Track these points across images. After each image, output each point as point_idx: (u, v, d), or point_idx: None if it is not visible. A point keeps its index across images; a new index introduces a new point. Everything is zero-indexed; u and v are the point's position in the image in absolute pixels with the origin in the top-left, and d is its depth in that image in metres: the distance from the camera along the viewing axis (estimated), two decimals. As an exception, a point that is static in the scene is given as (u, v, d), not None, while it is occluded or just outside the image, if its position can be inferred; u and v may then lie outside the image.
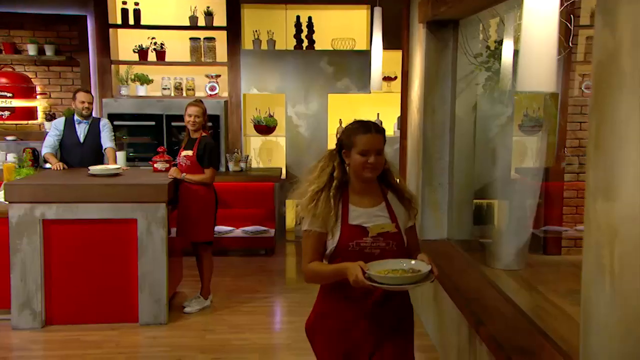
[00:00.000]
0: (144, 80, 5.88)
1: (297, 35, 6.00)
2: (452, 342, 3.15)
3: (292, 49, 6.03)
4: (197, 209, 3.94)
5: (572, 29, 4.32)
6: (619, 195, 1.10)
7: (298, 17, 6.00)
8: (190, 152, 3.95)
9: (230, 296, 4.35)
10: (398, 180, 2.08)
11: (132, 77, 5.88)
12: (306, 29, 6.00)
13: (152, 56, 5.90)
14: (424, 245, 2.49)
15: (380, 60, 4.08)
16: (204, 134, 3.99)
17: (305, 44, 6.01)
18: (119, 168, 4.11)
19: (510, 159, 4.09)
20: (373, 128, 1.95)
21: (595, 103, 1.19)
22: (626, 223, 1.08)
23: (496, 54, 4.23)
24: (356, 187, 1.97)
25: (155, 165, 4.20)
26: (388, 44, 4.60)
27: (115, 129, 4.89)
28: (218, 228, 5.67)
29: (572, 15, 4.29)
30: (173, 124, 5.64)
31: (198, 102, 3.99)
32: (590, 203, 1.20)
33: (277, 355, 3.43)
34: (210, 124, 5.11)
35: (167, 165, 4.18)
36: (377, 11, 4.10)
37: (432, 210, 4.00)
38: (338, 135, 2.07)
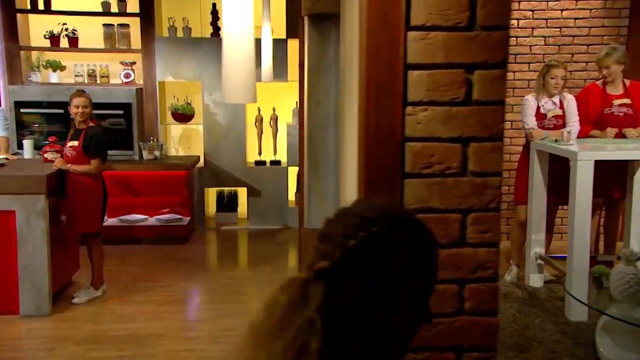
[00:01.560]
0: (55, 66, 5.78)
1: (214, 23, 5.97)
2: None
3: (209, 36, 6.00)
4: (84, 200, 3.95)
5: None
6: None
7: (214, 5, 5.96)
8: (76, 143, 3.93)
9: (128, 286, 4.39)
10: None
11: (44, 63, 5.78)
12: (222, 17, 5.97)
13: (64, 42, 5.80)
14: (310, 235, 2.55)
15: (270, 51, 4.10)
16: (91, 124, 3.97)
17: (222, 31, 5.98)
18: (3, 159, 4.06)
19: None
20: None
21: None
22: None
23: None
24: None
25: (45, 156, 4.18)
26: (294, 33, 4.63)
27: (23, 116, 4.81)
28: (130, 217, 5.69)
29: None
30: (83, 112, 5.56)
31: (82, 92, 3.97)
32: None
33: (151, 344, 3.50)
34: (123, 112, 5.07)
35: (58, 155, 4.16)
36: (266, 1, 4.11)
37: (319, 201, 4.09)
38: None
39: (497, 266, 1.10)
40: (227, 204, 6.20)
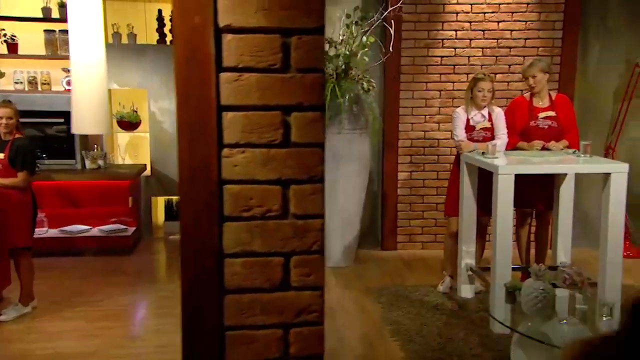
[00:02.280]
0: (-6, 73, 5.61)
1: (160, 29, 5.88)
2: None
3: (155, 43, 5.91)
4: (12, 214, 3.83)
5: (392, 34, 4.45)
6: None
7: (160, 11, 5.87)
8: (1, 155, 3.81)
9: (63, 301, 4.27)
10: None
11: (-18, 70, 5.60)
12: (169, 23, 5.89)
13: (3, 48, 5.64)
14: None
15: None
16: (17, 135, 3.86)
17: (168, 38, 5.89)
18: None
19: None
20: None
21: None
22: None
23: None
24: None
25: (-29, 169, 4.03)
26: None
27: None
28: (72, 227, 5.56)
29: (392, 21, 4.42)
30: (21, 120, 5.41)
31: (7, 102, 3.86)
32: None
33: (75, 364, 3.41)
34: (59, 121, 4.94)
35: (-15, 168, 4.02)
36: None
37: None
38: None
39: (321, 309, 1.08)
40: (176, 212, 6.12)
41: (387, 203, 4.80)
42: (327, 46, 4.28)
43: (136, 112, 5.96)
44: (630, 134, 4.77)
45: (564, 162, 3.42)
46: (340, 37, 4.32)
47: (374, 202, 4.82)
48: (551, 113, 3.69)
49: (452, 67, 4.66)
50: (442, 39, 4.62)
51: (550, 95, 3.76)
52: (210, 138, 1.00)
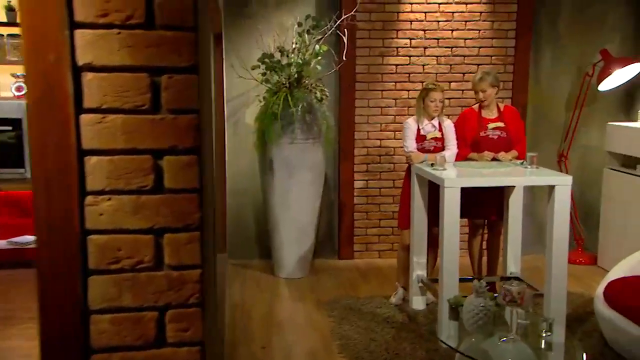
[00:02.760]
0: (-64, 79, 5.37)
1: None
2: None
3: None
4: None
5: (346, 43, 4.40)
6: None
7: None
8: None
9: (5, 318, 4.09)
10: None
11: None
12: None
13: (-54, 53, 5.40)
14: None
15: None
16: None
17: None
18: None
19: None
20: None
21: None
22: None
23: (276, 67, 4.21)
24: None
25: None
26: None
27: None
28: (21, 238, 5.33)
29: (346, 30, 4.36)
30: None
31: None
32: None
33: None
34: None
35: None
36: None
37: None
38: None
39: (200, 366, 1.01)
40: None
41: (343, 212, 4.74)
42: (278, 55, 4.21)
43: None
44: (582, 141, 4.82)
45: (510, 174, 3.42)
46: (293, 46, 4.25)
47: (330, 211, 4.76)
48: (500, 124, 3.69)
49: (407, 75, 4.63)
50: (397, 47, 4.59)
51: (498, 107, 3.75)
52: (70, 185, 0.92)
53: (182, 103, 0.95)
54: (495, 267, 3.95)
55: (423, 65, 4.63)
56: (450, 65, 4.64)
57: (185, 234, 0.97)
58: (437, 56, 4.63)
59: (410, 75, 4.63)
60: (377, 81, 4.63)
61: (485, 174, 3.39)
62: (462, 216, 3.60)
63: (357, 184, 4.74)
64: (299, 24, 4.22)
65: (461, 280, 3.50)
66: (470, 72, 4.55)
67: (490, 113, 3.72)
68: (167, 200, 0.96)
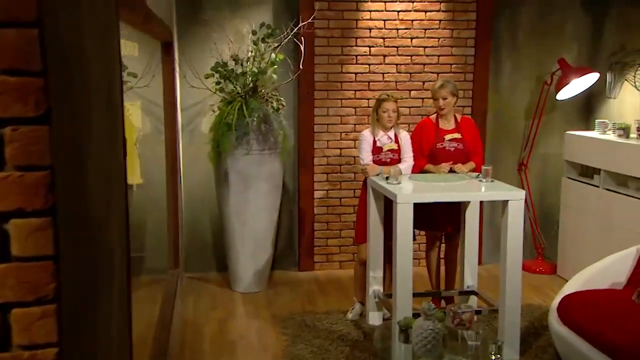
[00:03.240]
0: None
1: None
2: None
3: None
4: None
5: (303, 51, 4.30)
6: None
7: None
8: None
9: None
10: None
11: None
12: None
13: None
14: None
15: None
16: None
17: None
18: None
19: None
20: None
21: None
22: None
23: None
24: None
25: None
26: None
27: None
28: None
29: (303, 38, 4.27)
30: None
31: None
32: None
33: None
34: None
35: None
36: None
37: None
38: None
39: None
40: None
41: (304, 222, 4.65)
42: (232, 63, 4.09)
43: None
44: (542, 150, 4.82)
45: (464, 189, 3.36)
46: (249, 54, 4.14)
47: (291, 222, 4.67)
48: (457, 135, 3.64)
49: (367, 83, 4.56)
50: (356, 55, 4.52)
51: (455, 117, 3.71)
52: None
53: (31, 159, 0.84)
54: (453, 279, 3.91)
55: (383, 74, 4.57)
56: (410, 73, 4.59)
57: (38, 308, 0.86)
58: (396, 64, 4.57)
59: (370, 83, 4.57)
60: (336, 89, 4.55)
61: (440, 188, 3.33)
62: (418, 228, 3.55)
63: (317, 194, 4.66)
64: (254, 32, 4.11)
65: (416, 295, 3.45)
66: (430, 81, 4.50)
67: (448, 124, 3.67)
68: (14, 270, 0.85)
